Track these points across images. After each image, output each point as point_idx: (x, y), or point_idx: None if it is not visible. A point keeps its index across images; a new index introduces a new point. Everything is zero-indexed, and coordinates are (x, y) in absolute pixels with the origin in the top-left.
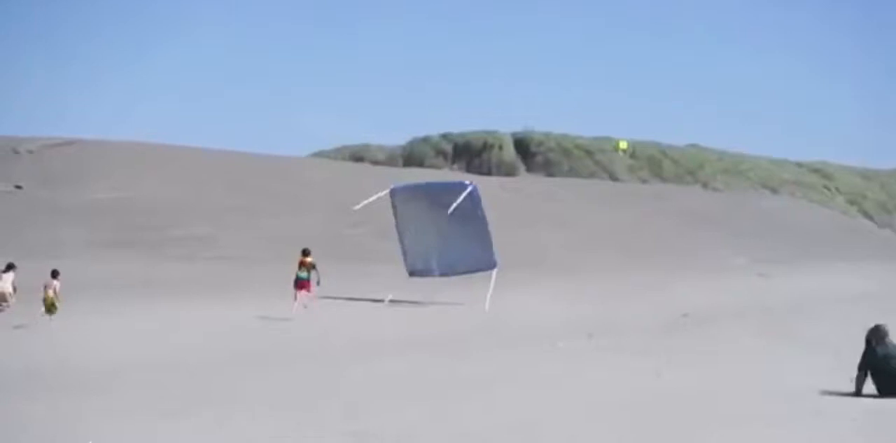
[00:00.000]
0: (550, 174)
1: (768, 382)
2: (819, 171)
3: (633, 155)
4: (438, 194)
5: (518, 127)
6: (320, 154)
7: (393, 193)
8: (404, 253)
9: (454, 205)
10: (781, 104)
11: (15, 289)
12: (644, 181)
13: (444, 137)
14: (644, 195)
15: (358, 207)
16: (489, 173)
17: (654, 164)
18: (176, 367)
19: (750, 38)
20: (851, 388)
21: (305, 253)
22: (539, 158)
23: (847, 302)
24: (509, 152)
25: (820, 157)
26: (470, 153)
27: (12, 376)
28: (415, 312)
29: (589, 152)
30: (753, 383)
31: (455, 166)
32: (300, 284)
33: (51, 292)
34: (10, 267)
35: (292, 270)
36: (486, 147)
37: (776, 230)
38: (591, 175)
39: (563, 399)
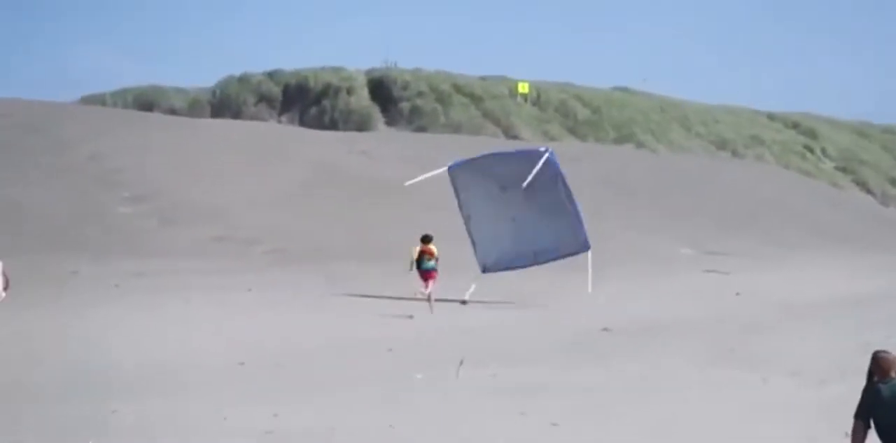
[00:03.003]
0: (420, 129)
1: (717, 437)
2: (799, 126)
3: (537, 102)
4: (508, 166)
5: (375, 62)
6: (92, 99)
7: (452, 171)
8: (473, 245)
9: (529, 178)
10: (745, 35)
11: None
12: (552, 138)
13: (270, 76)
14: None
15: (409, 183)
16: (333, 127)
17: (566, 114)
18: None
19: None
20: None
21: (427, 240)
22: (404, 106)
23: (836, 311)
24: (362, 98)
25: (801, 107)
26: (306, 99)
27: None
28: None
29: (475, 98)
30: (691, 440)
31: (284, 118)
32: (427, 274)
33: None
34: None
35: (32, 263)
36: (328, 91)
37: (737, 209)
38: (479, 130)
39: None
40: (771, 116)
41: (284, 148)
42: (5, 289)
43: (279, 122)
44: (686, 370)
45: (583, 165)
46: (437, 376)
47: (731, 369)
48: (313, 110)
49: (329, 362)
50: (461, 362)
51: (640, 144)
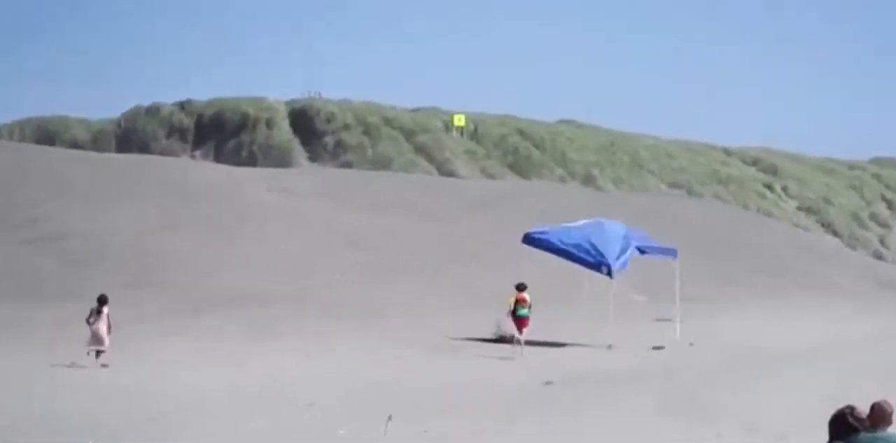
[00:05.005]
0: (346, 164)
1: None
2: (759, 162)
3: (474, 136)
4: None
5: (297, 92)
6: None
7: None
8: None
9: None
10: (703, 66)
11: (110, 327)
12: (491, 176)
13: (182, 106)
14: (490, 197)
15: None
16: (252, 162)
17: (506, 149)
18: None
19: None
20: None
21: (521, 288)
22: (328, 140)
23: (795, 362)
24: (283, 130)
25: (761, 142)
26: (222, 132)
27: None
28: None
29: (407, 132)
30: None
31: (197, 153)
32: (521, 321)
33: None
34: (102, 302)
35: None
36: (246, 123)
37: (692, 251)
38: (410, 166)
39: None
40: (728, 152)
41: (199, 186)
42: (109, 332)
43: (192, 157)
44: (635, 424)
45: (524, 205)
46: (362, 430)
47: (684, 422)
48: (230, 144)
49: (246, 416)
50: (389, 417)
51: (586, 182)
